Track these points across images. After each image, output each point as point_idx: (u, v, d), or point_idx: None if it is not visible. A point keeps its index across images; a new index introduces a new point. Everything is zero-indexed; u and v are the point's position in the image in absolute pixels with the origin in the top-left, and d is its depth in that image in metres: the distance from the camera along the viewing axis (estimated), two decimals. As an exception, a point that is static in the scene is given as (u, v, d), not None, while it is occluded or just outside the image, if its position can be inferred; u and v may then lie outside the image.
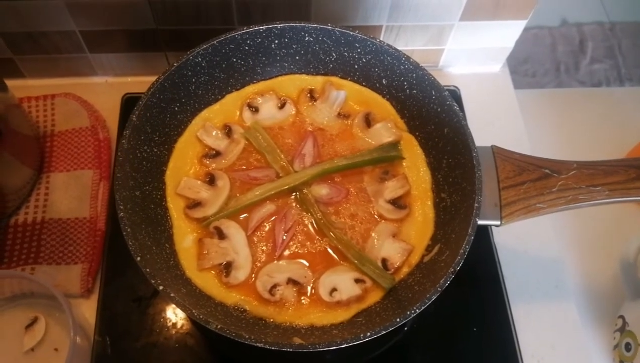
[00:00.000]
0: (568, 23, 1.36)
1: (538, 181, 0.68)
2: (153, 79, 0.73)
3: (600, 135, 1.01)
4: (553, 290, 0.84)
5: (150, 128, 0.72)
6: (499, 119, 0.96)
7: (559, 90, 1.18)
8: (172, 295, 0.60)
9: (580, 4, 1.39)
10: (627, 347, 0.77)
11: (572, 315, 0.82)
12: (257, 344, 0.58)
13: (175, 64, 0.73)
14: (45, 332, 0.76)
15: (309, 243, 0.72)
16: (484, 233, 0.84)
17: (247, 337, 0.59)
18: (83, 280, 0.78)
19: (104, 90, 0.95)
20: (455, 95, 0.96)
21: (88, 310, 0.78)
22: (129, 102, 0.92)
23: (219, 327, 0.59)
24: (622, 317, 0.80)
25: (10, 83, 0.80)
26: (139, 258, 0.61)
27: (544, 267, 0.85)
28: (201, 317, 0.59)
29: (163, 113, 0.74)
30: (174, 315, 0.77)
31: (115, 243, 0.81)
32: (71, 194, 0.84)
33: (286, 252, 0.71)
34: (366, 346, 0.62)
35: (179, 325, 0.76)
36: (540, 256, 0.86)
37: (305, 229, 0.73)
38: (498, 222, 0.67)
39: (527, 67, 1.30)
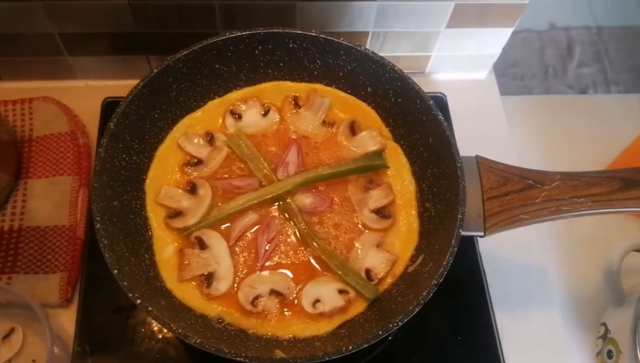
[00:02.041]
0: (556, 27, 1.36)
1: (522, 192, 0.68)
2: (135, 82, 0.71)
3: (587, 142, 1.01)
4: (537, 298, 0.84)
5: (129, 136, 0.70)
6: (485, 126, 0.96)
7: (546, 96, 1.18)
8: (150, 309, 0.59)
9: (569, 8, 1.39)
10: (609, 354, 0.77)
11: (556, 323, 0.82)
12: (238, 358, 0.58)
13: (155, 70, 0.71)
14: (23, 343, 0.74)
15: (292, 253, 0.71)
16: (469, 241, 0.84)
17: (227, 351, 0.58)
18: (62, 289, 0.77)
19: (84, 94, 0.93)
20: (442, 102, 0.95)
21: (67, 320, 0.77)
22: (109, 107, 0.90)
23: (198, 341, 0.58)
24: (604, 324, 0.80)
25: (-15, 86, 0.78)
26: (116, 271, 0.60)
27: (528, 275, 0.85)
28: (180, 331, 0.58)
29: (142, 120, 0.72)
30: (156, 326, 0.76)
31: (95, 252, 0.78)
32: (50, 201, 0.83)
33: (269, 263, 0.70)
34: (350, 356, 0.61)
35: (160, 336, 0.75)
36: (524, 264, 0.86)
37: (288, 239, 0.72)
38: (482, 233, 0.67)
39: (515, 71, 1.30)
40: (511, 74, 1.27)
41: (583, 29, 1.35)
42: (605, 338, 0.79)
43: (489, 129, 0.96)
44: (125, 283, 0.60)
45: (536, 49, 1.31)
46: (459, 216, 0.65)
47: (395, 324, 0.60)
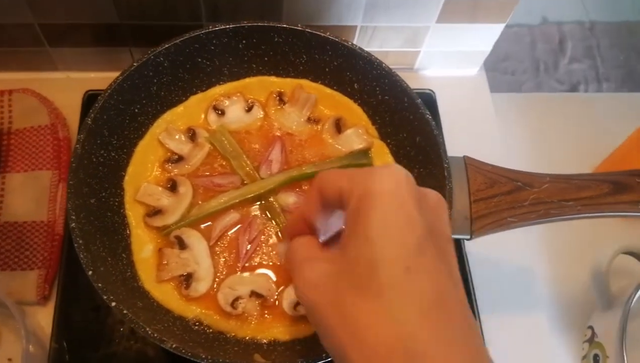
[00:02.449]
0: (548, 21, 1.35)
1: (509, 194, 0.67)
2: (117, 75, 0.69)
3: (577, 141, 1.00)
4: (523, 300, 0.83)
5: (108, 131, 0.68)
6: (475, 124, 0.95)
7: (537, 94, 1.17)
8: (125, 312, 0.57)
9: (561, 2, 1.38)
10: (595, 358, 0.76)
11: (542, 325, 0.81)
12: (215, 365, 0.56)
13: (135, 64, 0.69)
14: (-2, 342, 0.73)
15: (274, 254, 0.69)
16: (455, 243, 0.83)
17: (203, 356, 0.56)
18: (39, 286, 0.75)
19: (64, 86, 0.90)
20: (431, 99, 0.94)
21: (45, 318, 0.75)
22: (91, 100, 0.87)
23: (174, 346, 0.56)
24: (591, 327, 0.80)
25: (-38, 77, 0.76)
26: (90, 272, 0.58)
27: (514, 277, 0.84)
28: (156, 335, 0.57)
29: (122, 115, 0.70)
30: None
31: (73, 248, 0.77)
32: (28, 196, 0.81)
33: (250, 264, 0.69)
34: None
35: (139, 335, 0.73)
36: (511, 266, 0.85)
37: (270, 240, 0.70)
38: (468, 236, 0.66)
39: (506, 65, 1.29)
40: (502, 69, 1.26)
41: (575, 23, 1.34)
42: (592, 342, 0.78)
43: (478, 126, 0.95)
44: (100, 284, 0.58)
45: (527, 44, 1.30)
46: (445, 218, 0.64)
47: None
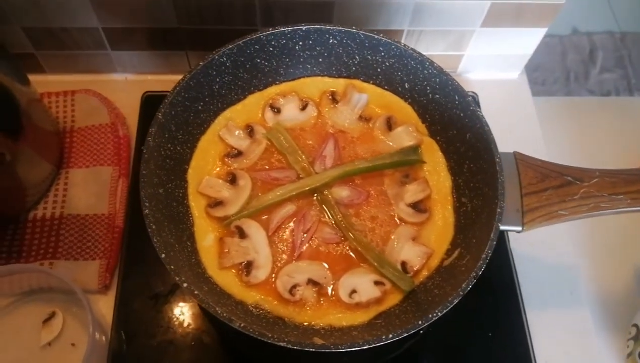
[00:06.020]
0: (579, 32, 1.36)
1: (560, 188, 0.69)
2: (173, 77, 0.73)
3: (615, 144, 1.01)
4: (568, 297, 0.84)
5: (175, 126, 0.72)
6: (517, 126, 0.97)
7: (575, 98, 1.18)
8: (196, 292, 0.60)
9: (592, 13, 1.40)
10: (641, 355, 0.77)
11: (586, 322, 0.82)
12: (280, 343, 0.59)
13: (201, 63, 0.73)
14: (63, 327, 0.76)
15: (329, 244, 0.72)
16: (500, 239, 0.84)
17: (269, 335, 0.59)
18: (101, 276, 0.79)
19: (123, 87, 0.96)
20: (473, 102, 0.96)
21: (105, 306, 0.78)
22: (148, 100, 0.92)
23: (242, 325, 0.59)
24: (635, 325, 0.80)
25: (30, 78, 0.80)
26: (163, 255, 0.61)
27: (559, 274, 0.85)
28: (225, 315, 0.59)
29: (187, 111, 0.74)
30: (190, 313, 0.77)
31: (133, 240, 0.81)
32: (90, 190, 0.85)
33: (306, 253, 0.71)
34: (382, 349, 0.61)
35: (195, 323, 0.76)
36: (555, 263, 0.86)
37: (325, 231, 0.73)
38: (520, 228, 0.68)
39: (537, 75, 1.31)
40: (532, 79, 1.28)
41: (606, 34, 1.35)
42: (637, 340, 0.79)
43: (520, 128, 0.97)
44: (172, 267, 0.61)
45: (558, 54, 1.31)
46: (498, 210, 0.66)
47: (435, 314, 0.61)
